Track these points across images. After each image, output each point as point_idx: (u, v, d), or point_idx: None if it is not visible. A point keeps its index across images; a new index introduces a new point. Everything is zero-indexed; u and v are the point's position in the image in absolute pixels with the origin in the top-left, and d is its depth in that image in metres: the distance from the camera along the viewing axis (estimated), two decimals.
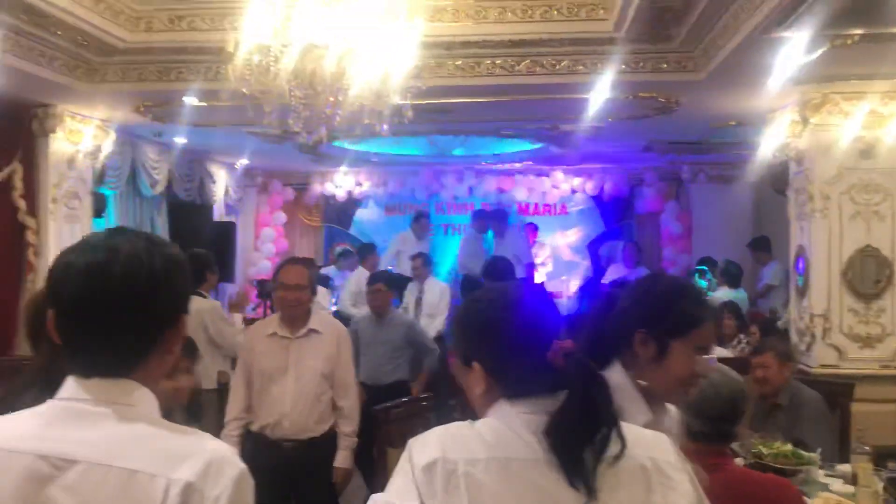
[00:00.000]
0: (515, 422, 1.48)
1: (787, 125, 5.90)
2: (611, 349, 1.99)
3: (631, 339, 1.95)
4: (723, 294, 7.93)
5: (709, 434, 2.59)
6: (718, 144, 8.45)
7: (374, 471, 3.98)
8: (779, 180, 6.69)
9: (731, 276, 8.27)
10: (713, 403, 2.62)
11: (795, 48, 4.63)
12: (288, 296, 4.00)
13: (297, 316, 4.04)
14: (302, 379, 3.96)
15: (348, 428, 4.04)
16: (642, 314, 1.97)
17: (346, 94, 4.01)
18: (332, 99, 4.00)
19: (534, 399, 1.49)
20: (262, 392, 3.97)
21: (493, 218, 10.15)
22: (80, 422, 1.29)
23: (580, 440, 1.43)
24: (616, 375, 1.94)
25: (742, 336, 6.61)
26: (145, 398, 1.34)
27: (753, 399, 4.19)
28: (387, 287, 6.07)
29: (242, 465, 1.30)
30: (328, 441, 4.03)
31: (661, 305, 1.97)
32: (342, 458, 4.03)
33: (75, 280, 1.31)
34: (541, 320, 1.54)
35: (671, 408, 2.05)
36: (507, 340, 1.52)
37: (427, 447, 1.47)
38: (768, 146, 6.23)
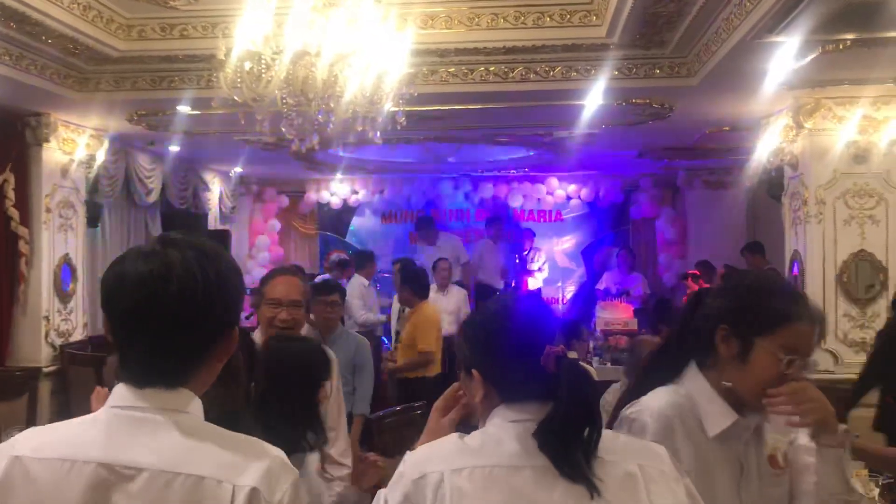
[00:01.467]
0: (505, 430, 1.54)
1: (781, 130, 5.91)
2: (693, 349, 1.90)
3: (714, 336, 1.84)
4: None
5: None
6: (713, 150, 8.45)
7: None
8: (774, 186, 6.69)
9: None
10: None
11: (787, 53, 4.64)
12: (280, 315, 3.31)
13: None
14: None
15: (338, 472, 3.34)
16: (726, 308, 1.85)
17: (339, 101, 4.00)
18: (324, 106, 3.98)
19: (529, 404, 1.55)
20: None
21: (420, 227, 10.12)
22: (141, 430, 1.31)
23: (569, 439, 1.48)
24: (689, 379, 1.88)
25: None
26: (198, 407, 1.37)
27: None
28: (342, 299, 5.18)
29: (296, 470, 1.37)
30: None
31: (746, 299, 1.84)
32: None
33: (130, 291, 1.32)
34: (534, 329, 1.60)
35: (806, 440, 1.89)
36: (501, 349, 1.59)
37: (418, 461, 1.54)
38: (763, 151, 6.23)
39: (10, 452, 1.32)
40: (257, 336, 3.45)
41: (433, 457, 1.54)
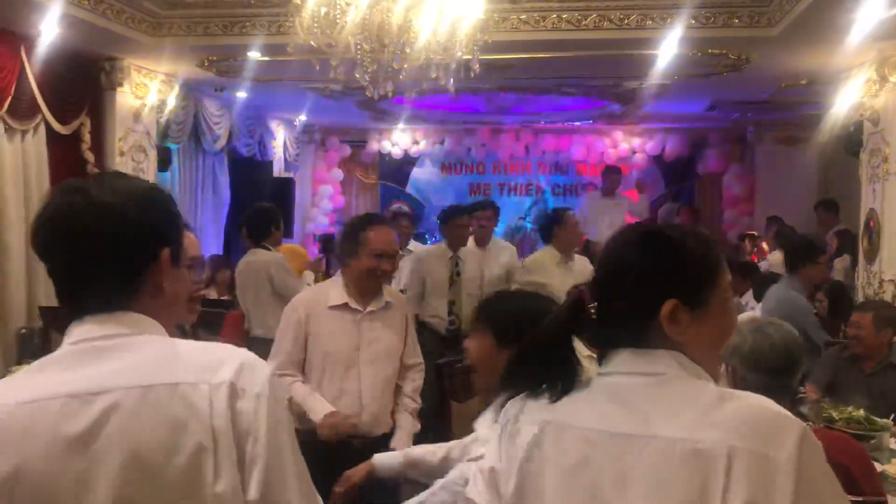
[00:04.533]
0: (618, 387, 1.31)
1: (863, 84, 5.71)
2: None
3: None
4: (779, 257, 7.84)
5: (767, 387, 2.32)
6: (787, 103, 8.21)
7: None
8: (852, 142, 6.48)
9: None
10: (768, 355, 2.56)
11: (876, 2, 4.46)
12: (384, 266, 3.27)
13: (377, 287, 3.35)
14: (378, 362, 3.32)
15: (412, 404, 3.42)
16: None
17: (413, 47, 3.98)
18: (399, 52, 3.97)
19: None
20: (326, 380, 3.26)
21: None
22: (99, 357, 1.28)
23: None
24: None
25: None
26: (151, 326, 1.34)
27: (845, 366, 4.10)
28: None
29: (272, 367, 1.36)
30: None
31: None
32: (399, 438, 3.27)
33: (43, 229, 1.32)
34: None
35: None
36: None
37: (521, 411, 1.39)
38: (842, 106, 6.03)
39: None
40: (336, 285, 3.37)
41: (537, 407, 1.35)
